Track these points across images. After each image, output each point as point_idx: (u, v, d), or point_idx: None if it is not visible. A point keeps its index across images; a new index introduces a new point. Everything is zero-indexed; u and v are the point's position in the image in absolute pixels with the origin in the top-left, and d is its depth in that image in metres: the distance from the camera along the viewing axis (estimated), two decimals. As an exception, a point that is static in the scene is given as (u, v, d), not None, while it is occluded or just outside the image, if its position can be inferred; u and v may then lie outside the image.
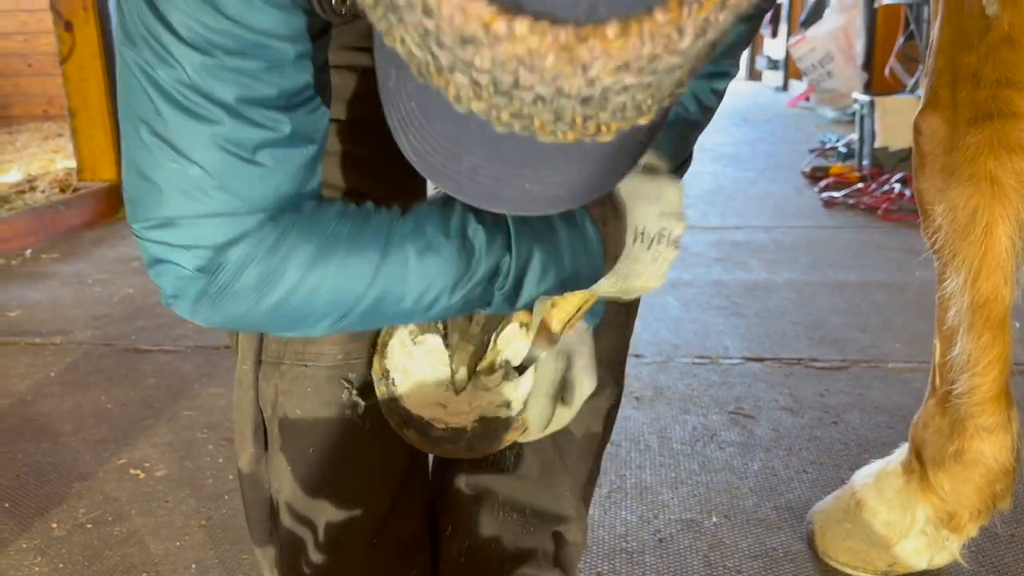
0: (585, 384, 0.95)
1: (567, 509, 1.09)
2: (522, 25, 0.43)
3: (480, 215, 0.80)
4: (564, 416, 0.97)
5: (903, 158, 4.25)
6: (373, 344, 0.97)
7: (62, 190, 4.10)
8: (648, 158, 0.90)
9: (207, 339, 2.49)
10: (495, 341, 0.96)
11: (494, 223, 0.80)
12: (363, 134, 0.96)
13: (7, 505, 1.69)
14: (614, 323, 1.05)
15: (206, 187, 0.71)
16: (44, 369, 2.34)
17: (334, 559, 1.01)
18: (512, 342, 0.96)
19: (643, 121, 0.51)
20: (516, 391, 0.97)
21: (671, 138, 0.92)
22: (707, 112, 0.96)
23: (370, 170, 0.97)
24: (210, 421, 2.01)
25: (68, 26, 3.98)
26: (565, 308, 0.91)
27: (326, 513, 1.00)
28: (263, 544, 1.05)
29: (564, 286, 0.85)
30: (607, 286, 0.90)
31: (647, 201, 0.87)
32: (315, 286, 0.77)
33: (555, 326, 0.91)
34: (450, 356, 0.96)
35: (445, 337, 0.97)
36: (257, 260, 0.75)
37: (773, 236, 3.53)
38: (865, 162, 4.42)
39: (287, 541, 1.02)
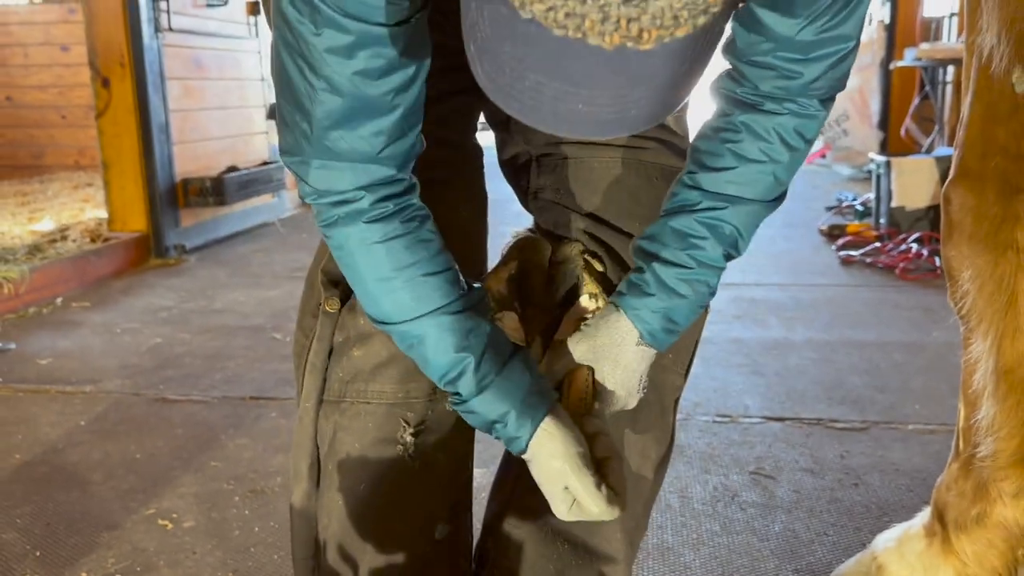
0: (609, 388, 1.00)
1: (615, 551, 1.09)
2: None
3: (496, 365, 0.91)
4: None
5: (919, 218, 4.28)
6: (432, 385, 1.01)
7: (93, 240, 4.19)
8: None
9: (234, 390, 2.53)
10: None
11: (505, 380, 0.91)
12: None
13: (38, 554, 1.71)
14: (658, 364, 1.05)
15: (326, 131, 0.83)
16: (74, 418, 2.38)
17: None
18: (582, 313, 1.03)
19: (680, 33, 0.61)
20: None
21: (755, 178, 0.93)
22: (794, 152, 0.93)
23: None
24: (236, 473, 2.04)
25: (105, 83, 4.11)
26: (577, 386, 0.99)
27: (370, 553, 1.02)
28: None
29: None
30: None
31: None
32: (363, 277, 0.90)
33: (571, 401, 0.98)
34: (525, 330, 1.01)
35: (521, 313, 1.03)
36: (340, 219, 0.87)
37: (792, 294, 3.56)
38: (882, 221, 4.45)
39: None
